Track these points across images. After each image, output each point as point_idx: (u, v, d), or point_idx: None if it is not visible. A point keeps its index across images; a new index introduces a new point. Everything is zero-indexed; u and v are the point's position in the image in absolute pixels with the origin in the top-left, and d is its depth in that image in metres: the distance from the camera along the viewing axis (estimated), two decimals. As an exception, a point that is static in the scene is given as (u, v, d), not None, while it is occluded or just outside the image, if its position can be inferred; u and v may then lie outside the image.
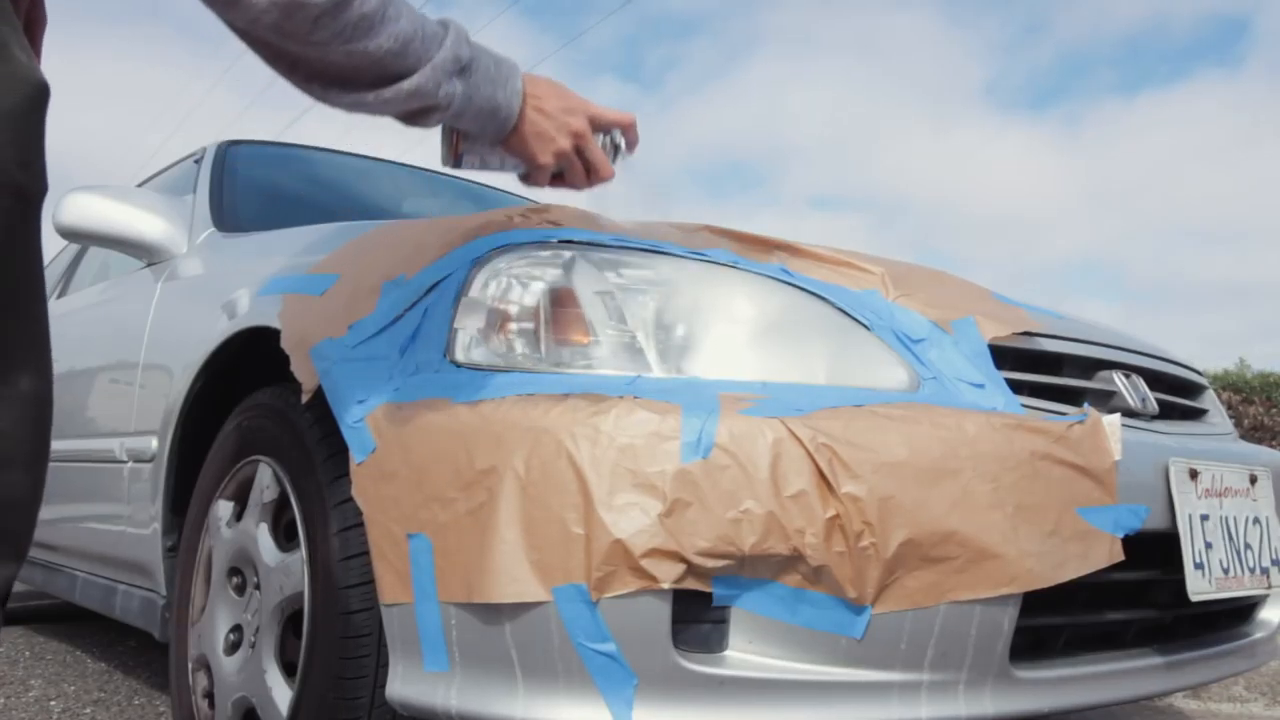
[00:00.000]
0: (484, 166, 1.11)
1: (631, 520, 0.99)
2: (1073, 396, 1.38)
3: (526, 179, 1.12)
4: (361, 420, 1.16)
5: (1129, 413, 1.38)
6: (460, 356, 1.17)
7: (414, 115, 0.97)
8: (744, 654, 1.04)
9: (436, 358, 1.17)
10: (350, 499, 1.16)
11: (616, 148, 1.14)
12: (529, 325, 1.18)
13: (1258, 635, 1.54)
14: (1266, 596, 1.56)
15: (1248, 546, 1.35)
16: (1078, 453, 1.14)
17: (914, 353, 1.24)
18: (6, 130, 0.69)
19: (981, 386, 1.23)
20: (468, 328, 1.18)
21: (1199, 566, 1.26)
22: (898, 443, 1.05)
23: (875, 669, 1.04)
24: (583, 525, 1.00)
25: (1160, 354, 1.66)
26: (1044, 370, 1.38)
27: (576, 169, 1.10)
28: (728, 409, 1.05)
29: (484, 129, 1.03)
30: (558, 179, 1.12)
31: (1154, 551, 1.25)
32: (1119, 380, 1.44)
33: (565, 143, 1.07)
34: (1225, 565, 1.30)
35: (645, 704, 1.01)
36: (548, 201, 1.34)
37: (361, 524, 1.15)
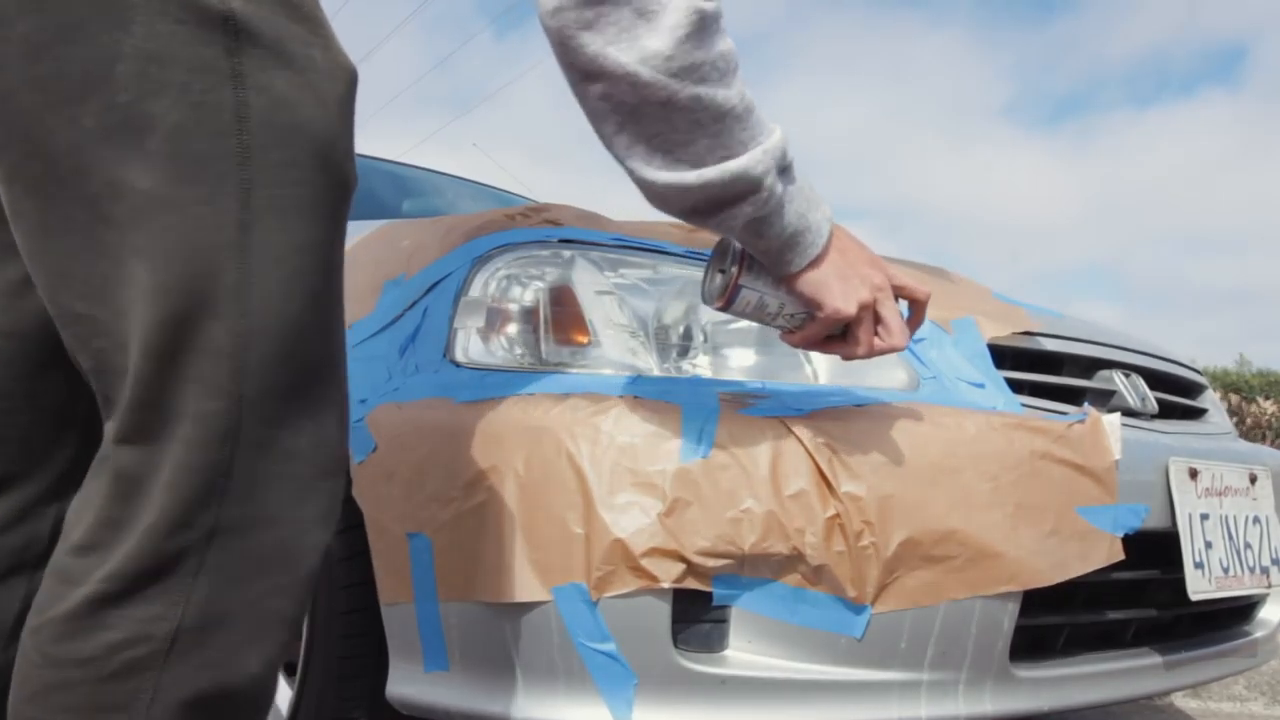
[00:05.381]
0: (758, 311, 0.94)
1: (631, 519, 0.99)
2: (1073, 396, 1.38)
3: (794, 334, 0.96)
4: (361, 420, 1.16)
5: (1129, 412, 1.38)
6: (460, 356, 1.17)
7: (720, 205, 0.83)
8: (744, 653, 1.04)
9: (436, 357, 1.17)
10: (350, 499, 1.16)
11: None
12: (529, 325, 1.18)
13: (1258, 634, 1.54)
14: (1266, 595, 1.56)
15: (1247, 546, 1.35)
16: (1078, 452, 1.14)
17: (914, 352, 1.24)
18: (340, 118, 0.67)
19: (981, 386, 1.23)
20: (467, 327, 1.18)
21: (1199, 566, 1.26)
22: (898, 442, 1.05)
23: (875, 668, 1.04)
24: (583, 524, 1.00)
25: (1160, 353, 1.66)
26: (1044, 370, 1.38)
27: (868, 329, 0.94)
28: (728, 409, 1.05)
29: (782, 255, 0.88)
30: (832, 340, 0.97)
31: (1154, 551, 1.25)
32: (1119, 380, 1.44)
33: (868, 294, 0.92)
34: (1225, 564, 1.30)
35: (645, 703, 1.01)
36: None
37: (361, 524, 1.14)
